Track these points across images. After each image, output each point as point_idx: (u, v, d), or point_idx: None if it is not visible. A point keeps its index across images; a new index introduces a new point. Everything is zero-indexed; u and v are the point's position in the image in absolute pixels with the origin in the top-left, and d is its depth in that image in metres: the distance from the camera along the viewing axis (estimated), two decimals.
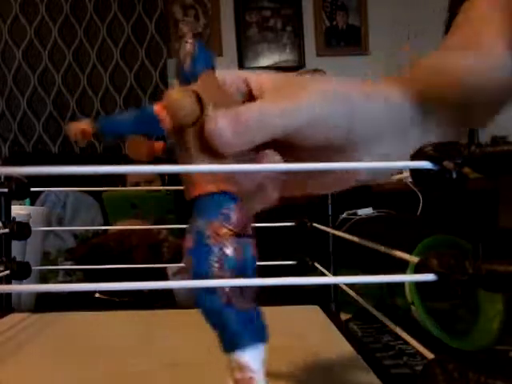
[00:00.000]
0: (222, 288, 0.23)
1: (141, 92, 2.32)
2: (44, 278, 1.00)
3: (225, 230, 0.24)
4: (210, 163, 0.25)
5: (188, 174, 0.25)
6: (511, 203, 1.33)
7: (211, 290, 0.23)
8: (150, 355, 0.44)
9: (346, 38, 2.67)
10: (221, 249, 0.23)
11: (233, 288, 0.23)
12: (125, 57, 2.33)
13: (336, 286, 0.58)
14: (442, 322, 0.29)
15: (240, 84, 0.30)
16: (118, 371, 0.41)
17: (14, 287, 0.61)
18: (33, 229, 0.61)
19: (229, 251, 0.24)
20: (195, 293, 0.24)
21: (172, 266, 0.92)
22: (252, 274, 0.24)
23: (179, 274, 0.91)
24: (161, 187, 1.44)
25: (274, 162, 0.26)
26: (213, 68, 0.26)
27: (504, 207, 1.36)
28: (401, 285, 0.31)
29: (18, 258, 0.60)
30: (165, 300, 0.84)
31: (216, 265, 0.23)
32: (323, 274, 0.57)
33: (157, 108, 0.24)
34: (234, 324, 0.23)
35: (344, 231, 0.60)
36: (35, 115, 2.31)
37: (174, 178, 1.52)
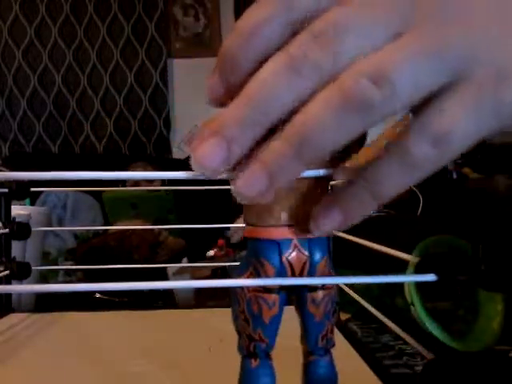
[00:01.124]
0: (245, 341, 0.23)
1: (141, 92, 2.32)
2: (44, 278, 1.00)
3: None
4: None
5: (246, 211, 0.23)
6: None
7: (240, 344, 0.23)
8: (150, 355, 0.44)
9: None
10: (248, 303, 0.22)
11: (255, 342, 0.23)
12: (125, 57, 2.33)
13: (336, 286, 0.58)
14: (441, 322, 0.29)
15: None
16: (118, 371, 0.41)
17: (14, 287, 0.61)
18: (33, 229, 0.61)
19: (255, 307, 0.22)
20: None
21: (172, 266, 0.93)
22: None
23: (179, 274, 0.91)
24: (161, 187, 1.44)
25: None
26: None
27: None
28: (401, 285, 0.31)
29: (18, 258, 0.60)
30: (165, 300, 0.84)
31: (241, 316, 0.23)
32: None
33: None
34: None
35: (344, 231, 0.60)
36: (35, 115, 2.30)
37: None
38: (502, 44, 0.18)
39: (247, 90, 0.18)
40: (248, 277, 0.22)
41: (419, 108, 0.18)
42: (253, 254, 0.22)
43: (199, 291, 0.85)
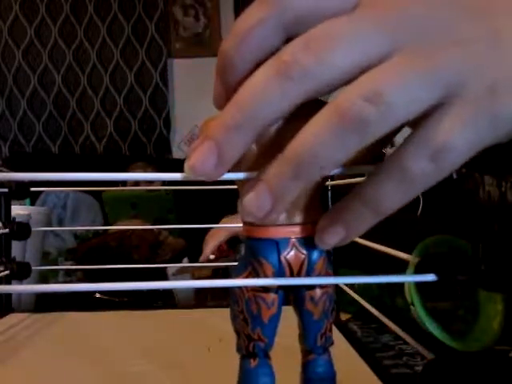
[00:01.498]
0: (244, 341, 0.23)
1: (141, 92, 2.32)
2: (44, 278, 1.01)
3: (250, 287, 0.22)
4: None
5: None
6: None
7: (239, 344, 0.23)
8: (150, 355, 0.44)
9: None
10: (247, 303, 0.22)
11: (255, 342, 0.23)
12: (125, 57, 2.33)
13: (336, 286, 0.58)
14: (441, 322, 0.29)
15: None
16: (118, 371, 0.41)
17: (14, 287, 0.61)
18: (33, 229, 0.61)
19: (254, 307, 0.22)
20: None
21: (172, 266, 0.93)
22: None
23: (179, 274, 0.91)
24: (161, 187, 1.45)
25: None
26: None
27: None
28: (401, 285, 0.31)
29: (18, 258, 0.60)
30: (165, 300, 0.84)
31: (240, 316, 0.23)
32: None
33: None
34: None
35: None
36: (35, 115, 2.30)
37: None
38: (493, 60, 0.18)
39: (239, 95, 0.19)
40: (247, 276, 0.22)
41: (416, 123, 0.18)
42: (251, 254, 0.22)
43: (199, 291, 0.85)
